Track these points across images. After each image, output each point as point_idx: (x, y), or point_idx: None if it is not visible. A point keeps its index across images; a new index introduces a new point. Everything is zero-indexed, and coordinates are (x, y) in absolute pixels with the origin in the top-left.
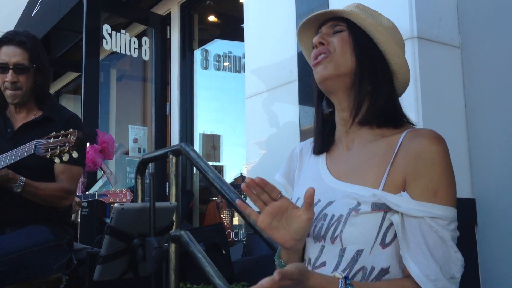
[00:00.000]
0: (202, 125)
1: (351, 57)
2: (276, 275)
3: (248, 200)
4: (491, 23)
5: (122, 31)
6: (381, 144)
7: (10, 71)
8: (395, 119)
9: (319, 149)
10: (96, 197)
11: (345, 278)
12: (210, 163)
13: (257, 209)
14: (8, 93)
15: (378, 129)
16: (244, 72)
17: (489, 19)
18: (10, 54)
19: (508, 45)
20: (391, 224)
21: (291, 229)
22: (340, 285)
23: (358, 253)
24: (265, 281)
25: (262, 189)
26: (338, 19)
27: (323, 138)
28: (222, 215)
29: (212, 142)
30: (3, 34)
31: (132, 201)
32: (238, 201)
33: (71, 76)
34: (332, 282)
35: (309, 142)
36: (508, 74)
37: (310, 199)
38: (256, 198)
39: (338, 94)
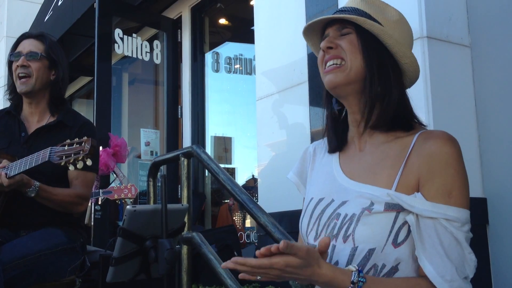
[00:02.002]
0: (213, 128)
1: (361, 62)
2: (282, 243)
3: (262, 195)
4: (501, 21)
5: (134, 35)
6: (393, 145)
7: (22, 56)
8: (406, 121)
9: (333, 148)
10: (101, 195)
11: (359, 270)
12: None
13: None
14: (19, 82)
15: (390, 131)
16: (255, 74)
17: (499, 18)
18: (26, 45)
19: None
20: (404, 223)
21: None
22: (353, 276)
23: (370, 251)
24: (272, 246)
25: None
26: (344, 21)
27: (336, 137)
28: (234, 217)
29: (224, 145)
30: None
31: (144, 203)
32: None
33: (83, 80)
34: (345, 273)
35: (323, 142)
36: None
37: (324, 249)
38: None
39: (349, 99)
